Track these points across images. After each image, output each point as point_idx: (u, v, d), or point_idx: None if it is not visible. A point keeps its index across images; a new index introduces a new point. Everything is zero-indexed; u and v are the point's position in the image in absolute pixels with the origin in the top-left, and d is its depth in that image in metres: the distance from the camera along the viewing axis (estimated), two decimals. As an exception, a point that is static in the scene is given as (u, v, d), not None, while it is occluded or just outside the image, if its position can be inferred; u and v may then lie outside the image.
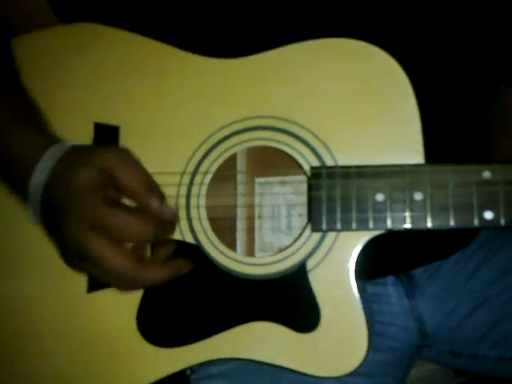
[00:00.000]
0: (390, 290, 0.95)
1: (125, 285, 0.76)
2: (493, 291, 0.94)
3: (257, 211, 0.87)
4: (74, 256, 0.75)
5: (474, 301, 0.94)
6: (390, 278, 0.96)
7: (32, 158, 0.76)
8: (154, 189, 0.77)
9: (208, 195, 0.83)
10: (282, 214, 0.86)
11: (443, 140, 0.82)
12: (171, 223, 0.79)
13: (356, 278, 0.79)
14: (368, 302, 0.86)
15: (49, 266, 0.83)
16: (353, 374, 0.77)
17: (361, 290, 0.82)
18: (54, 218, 0.75)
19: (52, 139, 0.79)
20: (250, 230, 0.87)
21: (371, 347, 0.80)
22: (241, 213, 0.87)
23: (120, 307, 0.82)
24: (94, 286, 0.83)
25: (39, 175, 0.75)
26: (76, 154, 0.77)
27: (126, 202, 0.78)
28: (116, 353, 0.82)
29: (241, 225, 0.87)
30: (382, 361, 0.92)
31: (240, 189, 0.87)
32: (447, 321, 0.95)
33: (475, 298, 0.94)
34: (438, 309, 0.96)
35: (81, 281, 0.83)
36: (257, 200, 0.87)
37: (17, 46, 0.88)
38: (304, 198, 0.83)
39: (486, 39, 0.85)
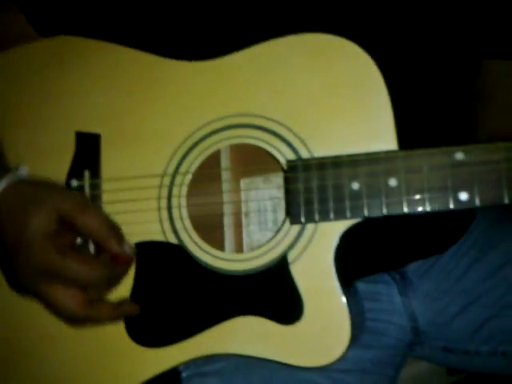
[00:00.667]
0: (382, 287, 0.94)
1: (76, 323, 0.79)
2: (484, 288, 0.93)
3: (243, 207, 0.88)
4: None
5: (466, 299, 0.93)
6: (383, 276, 0.96)
7: None
8: (112, 229, 0.78)
9: (193, 194, 0.84)
10: (268, 209, 0.87)
11: (415, 126, 0.83)
12: (128, 263, 0.79)
13: (340, 273, 0.79)
14: (358, 297, 0.86)
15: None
16: (345, 370, 0.77)
17: (348, 284, 0.82)
18: (6, 255, 0.77)
19: (4, 170, 0.79)
20: (238, 227, 0.88)
21: (364, 344, 0.81)
22: (227, 210, 0.88)
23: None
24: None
25: None
26: (31, 192, 0.77)
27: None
28: (106, 354, 0.83)
29: (228, 222, 0.88)
30: (374, 358, 0.91)
31: (225, 186, 0.88)
32: (439, 318, 0.95)
33: (467, 295, 0.93)
34: (431, 306, 0.95)
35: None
36: (242, 196, 0.88)
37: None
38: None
39: (465, 14, 0.85)
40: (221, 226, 0.87)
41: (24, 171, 0.81)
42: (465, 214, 0.96)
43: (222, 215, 0.87)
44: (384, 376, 0.94)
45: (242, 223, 0.87)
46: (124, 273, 0.79)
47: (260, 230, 0.87)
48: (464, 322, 0.94)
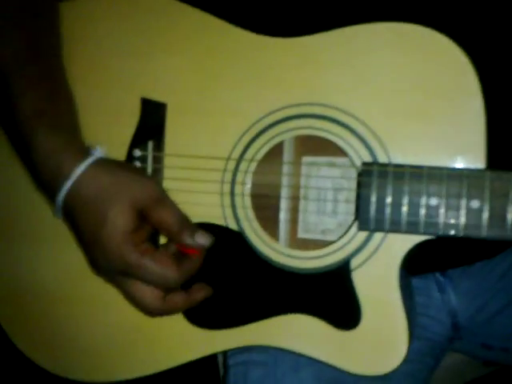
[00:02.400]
0: (419, 282, 0.92)
1: (151, 315, 0.79)
2: None
3: (302, 192, 0.84)
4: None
5: (507, 297, 0.90)
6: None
7: (61, 172, 0.74)
8: (185, 222, 0.76)
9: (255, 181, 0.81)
10: (328, 201, 0.83)
11: (509, 145, 0.75)
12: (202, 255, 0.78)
13: (403, 280, 0.76)
14: (412, 294, 0.84)
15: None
16: None
17: (406, 285, 0.80)
18: (84, 241, 0.76)
19: (82, 151, 0.76)
20: (294, 210, 0.85)
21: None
22: (285, 193, 0.84)
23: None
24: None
25: (67, 192, 0.73)
26: (111, 181, 0.74)
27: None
28: (156, 327, 0.84)
29: (284, 204, 0.85)
30: (415, 348, 0.90)
31: (286, 168, 0.84)
32: (479, 315, 0.93)
33: (508, 294, 0.90)
34: (471, 303, 0.93)
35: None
36: (302, 181, 0.84)
37: (66, 10, 0.85)
38: (353, 183, 0.79)
39: None
40: (276, 208, 0.84)
41: (101, 153, 0.77)
42: None
43: (279, 197, 0.83)
44: (424, 365, 0.94)
45: (300, 205, 0.84)
46: (198, 264, 0.78)
47: (318, 214, 0.84)
48: (504, 321, 0.92)
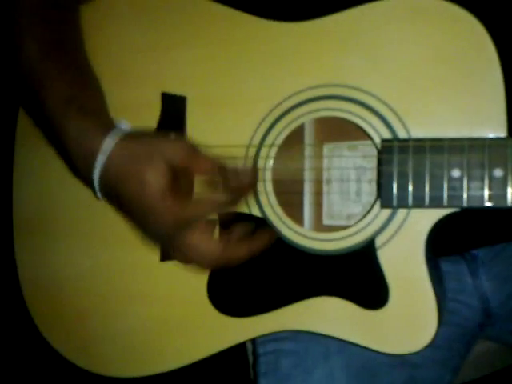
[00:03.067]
0: (450, 266, 0.90)
1: (211, 263, 0.78)
2: None
3: (325, 175, 0.84)
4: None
5: None
6: (453, 256, 0.91)
7: (93, 150, 0.75)
8: (223, 167, 0.76)
9: (277, 167, 0.81)
10: (352, 179, 0.83)
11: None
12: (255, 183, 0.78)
13: (429, 256, 0.76)
14: (441, 279, 0.83)
15: (122, 237, 0.85)
16: None
17: (434, 268, 0.79)
18: (129, 212, 0.76)
19: (109, 125, 0.77)
20: (318, 195, 0.85)
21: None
22: (308, 176, 0.84)
23: (191, 276, 0.83)
24: (167, 255, 0.84)
25: (102, 168, 0.74)
26: (139, 147, 0.74)
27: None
28: (186, 319, 0.85)
29: (308, 189, 0.85)
30: (446, 335, 0.89)
31: (308, 151, 0.84)
32: (511, 301, 0.90)
33: None
34: (502, 288, 0.91)
35: (153, 250, 0.85)
36: (325, 164, 0.84)
37: (86, 12, 0.88)
38: (374, 162, 0.79)
39: None
40: (301, 192, 0.84)
41: (126, 125, 0.78)
42: None
43: (302, 181, 0.83)
44: (454, 352, 0.92)
45: (323, 191, 0.84)
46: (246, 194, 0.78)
47: (342, 199, 0.84)
48: None
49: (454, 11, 0.70)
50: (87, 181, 0.77)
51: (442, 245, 0.82)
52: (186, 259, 0.78)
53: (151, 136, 0.77)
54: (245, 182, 0.75)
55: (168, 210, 0.72)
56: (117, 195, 0.76)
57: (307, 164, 0.84)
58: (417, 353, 0.75)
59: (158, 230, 0.75)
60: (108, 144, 0.74)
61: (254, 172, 0.78)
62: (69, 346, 0.90)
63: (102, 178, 0.75)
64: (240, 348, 0.88)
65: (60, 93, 0.78)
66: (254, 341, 0.93)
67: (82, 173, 0.79)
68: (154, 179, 0.72)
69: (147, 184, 0.72)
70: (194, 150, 0.75)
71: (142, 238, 0.80)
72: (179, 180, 0.73)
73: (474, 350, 0.98)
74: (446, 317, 0.86)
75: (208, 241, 0.75)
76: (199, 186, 0.78)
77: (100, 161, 0.74)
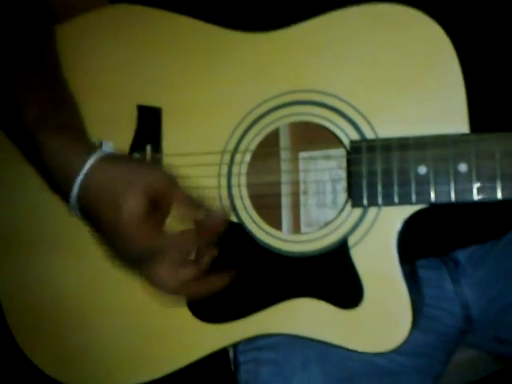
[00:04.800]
0: (432, 273, 0.91)
1: (171, 293, 0.79)
2: None
3: (302, 187, 0.86)
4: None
5: None
6: (433, 262, 0.92)
7: (71, 168, 0.75)
8: (199, 203, 0.78)
9: (252, 172, 0.83)
10: (328, 190, 0.85)
11: (489, 107, 0.77)
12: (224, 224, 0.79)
13: (404, 260, 0.77)
14: (419, 282, 0.83)
15: (98, 250, 0.85)
16: (398, 351, 0.75)
17: (411, 272, 0.80)
18: (103, 233, 0.77)
19: (89, 146, 0.78)
20: (296, 206, 0.86)
21: (418, 326, 0.78)
22: (285, 189, 0.86)
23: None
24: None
25: (81, 186, 0.75)
26: (121, 171, 0.75)
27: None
28: (165, 328, 0.85)
29: (286, 201, 0.86)
30: (426, 342, 0.89)
31: (284, 166, 0.86)
32: (492, 307, 0.91)
33: None
34: (484, 294, 0.91)
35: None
36: (301, 176, 0.86)
37: (60, 32, 0.90)
38: (343, 164, 0.81)
39: None
40: (278, 205, 0.86)
41: (109, 147, 0.80)
42: None
43: (279, 194, 0.85)
44: (435, 359, 0.92)
45: (300, 200, 0.86)
46: (216, 235, 0.78)
47: (318, 207, 0.85)
48: None
49: (411, 14, 0.73)
50: (65, 197, 0.78)
51: (420, 247, 0.84)
52: (150, 285, 0.79)
53: (134, 162, 0.80)
54: (215, 223, 0.77)
55: (139, 238, 0.73)
56: (92, 215, 0.77)
57: (284, 178, 0.86)
58: (393, 350, 0.76)
59: (127, 254, 0.76)
60: (88, 164, 0.75)
61: (227, 214, 0.80)
62: (47, 359, 0.89)
63: (80, 196, 0.76)
64: (224, 356, 0.88)
65: (36, 111, 0.79)
66: (235, 349, 0.93)
67: (59, 191, 0.80)
68: (130, 206, 0.73)
69: (123, 209, 0.73)
70: (173, 181, 0.76)
71: (111, 258, 0.81)
72: (154, 210, 0.75)
73: (455, 358, 0.98)
74: (426, 324, 0.87)
75: (171, 276, 0.75)
76: (172, 219, 0.79)
77: (78, 181, 0.75)
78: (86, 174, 0.75)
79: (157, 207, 0.75)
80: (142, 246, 0.74)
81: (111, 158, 0.77)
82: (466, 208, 0.76)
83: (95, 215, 0.76)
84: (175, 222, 0.78)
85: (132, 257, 0.76)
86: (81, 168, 0.75)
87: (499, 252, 0.92)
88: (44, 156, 0.78)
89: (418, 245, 0.83)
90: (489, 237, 0.90)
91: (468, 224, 0.87)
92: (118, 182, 0.74)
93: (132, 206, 0.72)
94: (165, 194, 0.75)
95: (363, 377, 0.87)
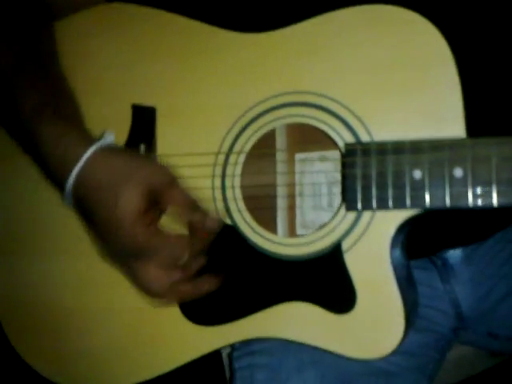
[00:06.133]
0: (422, 273, 0.90)
1: (156, 297, 0.79)
2: None
3: (297, 189, 0.85)
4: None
5: (510, 284, 0.88)
6: (422, 262, 0.92)
7: (68, 158, 0.74)
8: (196, 205, 0.77)
9: (248, 173, 0.82)
10: (323, 192, 0.84)
11: (486, 111, 0.76)
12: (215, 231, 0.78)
13: (399, 259, 0.76)
14: (413, 283, 0.82)
15: (90, 252, 0.85)
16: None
17: (406, 271, 0.79)
18: (95, 226, 0.76)
19: (87, 138, 0.77)
20: (291, 208, 0.85)
21: (413, 327, 0.77)
22: (281, 191, 0.85)
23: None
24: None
25: (78, 176, 0.74)
26: (121, 163, 0.74)
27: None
28: (158, 331, 0.84)
29: (281, 203, 0.86)
30: (419, 341, 0.89)
31: (280, 167, 0.85)
32: (483, 303, 0.91)
33: (511, 281, 0.88)
34: (474, 292, 0.91)
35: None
36: (297, 178, 0.85)
37: (57, 29, 0.90)
38: (339, 167, 0.80)
39: None
40: (273, 207, 0.85)
41: (110, 138, 0.77)
42: None
43: (275, 196, 0.84)
44: (429, 358, 0.92)
45: (296, 202, 0.85)
46: (206, 243, 0.77)
47: (314, 209, 0.84)
48: (508, 308, 0.90)
49: (408, 15, 0.72)
50: (60, 186, 0.77)
51: (408, 248, 0.83)
52: (135, 283, 0.78)
53: (134, 156, 0.78)
54: (210, 228, 0.76)
55: (133, 233, 0.72)
56: (87, 205, 0.76)
57: (279, 179, 0.85)
58: (385, 357, 0.75)
59: (117, 249, 0.75)
60: (86, 155, 0.73)
61: (222, 220, 0.79)
62: (42, 360, 0.89)
63: (75, 186, 0.74)
64: (217, 363, 0.87)
65: (34, 100, 0.77)
66: (230, 356, 0.93)
67: (55, 181, 0.79)
68: (127, 200, 0.71)
69: (120, 204, 0.71)
70: (172, 179, 0.75)
71: (101, 252, 0.80)
72: (151, 207, 0.73)
73: (450, 355, 0.98)
74: (419, 323, 0.86)
75: (159, 274, 0.74)
76: (167, 218, 0.78)
77: (75, 171, 0.73)
78: (84, 165, 0.73)
79: (154, 204, 0.74)
80: (134, 243, 0.72)
81: (111, 150, 0.75)
82: (453, 211, 0.75)
83: (90, 207, 0.75)
84: (170, 221, 0.77)
85: (122, 252, 0.75)
86: (79, 158, 0.73)
87: (487, 249, 0.92)
88: (42, 145, 0.76)
89: (408, 246, 0.82)
90: (475, 239, 0.90)
91: (455, 227, 0.86)
92: (117, 174, 0.73)
93: (129, 200, 0.71)
94: (163, 192, 0.74)
95: (359, 378, 0.86)
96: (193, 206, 0.76)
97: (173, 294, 0.76)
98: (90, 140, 0.75)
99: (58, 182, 0.78)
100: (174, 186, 0.75)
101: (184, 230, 0.77)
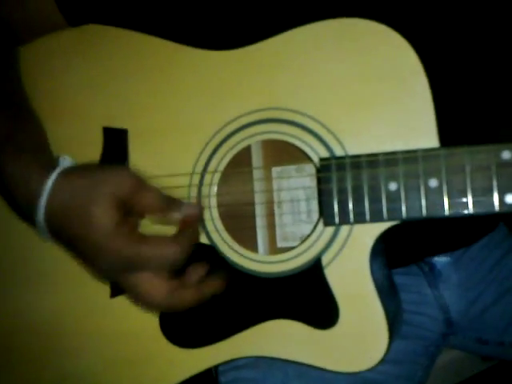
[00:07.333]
0: (409, 279, 0.91)
1: (159, 308, 0.77)
2: None
3: (276, 206, 0.85)
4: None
5: (499, 289, 0.90)
6: (410, 268, 0.92)
7: (32, 191, 0.72)
8: (172, 201, 0.75)
9: (224, 193, 0.81)
10: (302, 209, 0.84)
11: (458, 120, 0.76)
12: (197, 221, 0.76)
13: (380, 270, 0.76)
14: (395, 290, 0.83)
15: (71, 275, 0.84)
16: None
17: (386, 280, 0.79)
18: (79, 251, 0.74)
19: (49, 163, 0.75)
20: (270, 225, 0.85)
21: (398, 335, 0.78)
22: (259, 210, 0.85)
23: (142, 310, 0.82)
24: (117, 290, 0.83)
25: (45, 209, 0.72)
26: (82, 178, 0.72)
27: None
28: (140, 354, 0.83)
29: (260, 221, 0.85)
30: (408, 348, 0.89)
31: (257, 185, 0.85)
32: (472, 309, 0.91)
33: (500, 285, 0.89)
34: (462, 297, 0.92)
35: (103, 285, 0.84)
36: (275, 196, 0.85)
37: (25, 53, 0.88)
38: (314, 182, 0.80)
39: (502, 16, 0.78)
40: (253, 225, 0.84)
41: (67, 162, 0.76)
42: None
43: (253, 214, 0.84)
44: (418, 365, 0.93)
45: (275, 214, 0.84)
46: (194, 234, 0.75)
47: (293, 221, 0.84)
48: (497, 314, 0.91)
49: (377, 28, 0.72)
50: (32, 222, 0.75)
51: (392, 256, 0.83)
52: (134, 299, 0.76)
53: (93, 168, 0.76)
54: (191, 213, 0.74)
55: (116, 248, 0.70)
56: (64, 234, 0.74)
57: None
58: (371, 369, 0.75)
59: (108, 268, 0.73)
60: (47, 185, 0.72)
61: (199, 204, 0.77)
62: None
63: (47, 217, 0.73)
64: (207, 375, 0.86)
65: None
66: (216, 370, 0.92)
67: (25, 216, 0.77)
68: (100, 216, 0.69)
69: (94, 222, 0.69)
70: (138, 180, 0.73)
71: (93, 275, 0.79)
72: (126, 215, 0.71)
73: (440, 360, 0.98)
74: (407, 330, 0.87)
75: (156, 284, 0.72)
76: (147, 221, 0.77)
77: (41, 203, 0.72)
78: (49, 194, 0.71)
79: (128, 212, 0.72)
80: (120, 257, 0.70)
81: (72, 172, 0.73)
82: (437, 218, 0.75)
83: (67, 235, 0.73)
84: (151, 222, 0.76)
85: (113, 270, 0.73)
86: (42, 188, 0.71)
87: (475, 255, 0.92)
88: (6, 181, 0.75)
89: (389, 254, 0.82)
90: (460, 244, 0.90)
91: (440, 233, 0.86)
92: (83, 195, 0.70)
93: (101, 216, 0.69)
94: (133, 197, 0.71)
95: None
96: (166, 202, 0.74)
97: (176, 301, 0.73)
98: (49, 169, 0.74)
99: (29, 219, 0.76)
100: (143, 188, 0.73)
101: (170, 228, 0.75)
